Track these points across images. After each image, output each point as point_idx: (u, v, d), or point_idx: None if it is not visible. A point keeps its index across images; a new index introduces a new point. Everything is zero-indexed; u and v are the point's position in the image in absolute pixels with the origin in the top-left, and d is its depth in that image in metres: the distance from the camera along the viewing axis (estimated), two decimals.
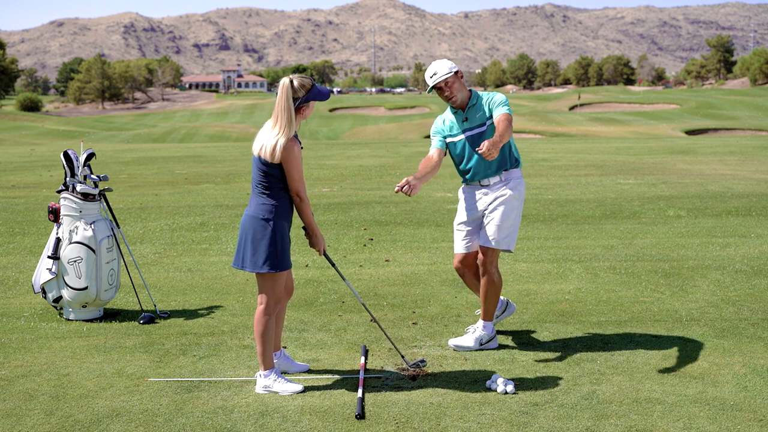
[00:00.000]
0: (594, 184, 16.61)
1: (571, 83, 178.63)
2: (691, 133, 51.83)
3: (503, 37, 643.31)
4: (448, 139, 5.62)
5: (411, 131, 60.80)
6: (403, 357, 5.13)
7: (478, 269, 5.60)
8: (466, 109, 5.54)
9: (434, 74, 5.49)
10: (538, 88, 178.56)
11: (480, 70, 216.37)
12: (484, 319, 5.59)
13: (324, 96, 4.71)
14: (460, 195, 5.73)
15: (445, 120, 5.68)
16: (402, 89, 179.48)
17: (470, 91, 5.62)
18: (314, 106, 4.77)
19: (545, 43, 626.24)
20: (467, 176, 5.60)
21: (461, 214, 5.67)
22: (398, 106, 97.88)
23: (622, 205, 13.22)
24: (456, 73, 5.48)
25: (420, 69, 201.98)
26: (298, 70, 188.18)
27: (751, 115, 68.55)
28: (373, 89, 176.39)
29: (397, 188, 5.10)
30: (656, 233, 10.47)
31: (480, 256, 5.53)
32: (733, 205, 12.99)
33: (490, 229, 5.47)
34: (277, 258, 4.64)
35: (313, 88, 4.65)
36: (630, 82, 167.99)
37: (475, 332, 5.57)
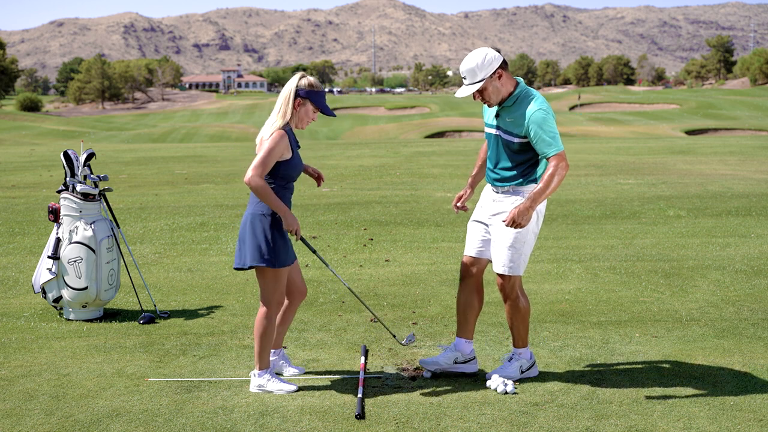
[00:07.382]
0: (594, 184, 16.61)
1: (571, 83, 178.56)
2: (691, 133, 51.79)
3: (503, 37, 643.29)
4: (486, 129, 4.96)
5: (411, 131, 60.77)
6: (394, 336, 5.36)
7: (481, 286, 5.03)
8: (501, 105, 4.80)
9: (464, 78, 4.73)
10: (538, 88, 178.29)
11: None
12: (517, 346, 4.97)
13: (322, 105, 4.73)
14: (483, 191, 5.12)
15: None
16: (402, 89, 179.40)
17: (517, 82, 4.79)
18: (311, 113, 4.75)
19: (545, 43, 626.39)
20: (486, 176, 5.00)
21: (475, 211, 5.05)
22: (398, 106, 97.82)
23: (622, 205, 13.22)
24: (492, 75, 4.65)
25: (420, 69, 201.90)
26: (299, 69, 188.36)
27: (751, 115, 68.52)
28: (373, 89, 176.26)
29: (455, 209, 5.22)
30: (656, 233, 10.47)
31: (497, 280, 4.90)
32: (733, 205, 12.99)
33: (502, 255, 4.79)
34: (265, 252, 4.61)
35: (315, 91, 4.70)
36: (630, 82, 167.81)
37: (512, 360, 4.95)
